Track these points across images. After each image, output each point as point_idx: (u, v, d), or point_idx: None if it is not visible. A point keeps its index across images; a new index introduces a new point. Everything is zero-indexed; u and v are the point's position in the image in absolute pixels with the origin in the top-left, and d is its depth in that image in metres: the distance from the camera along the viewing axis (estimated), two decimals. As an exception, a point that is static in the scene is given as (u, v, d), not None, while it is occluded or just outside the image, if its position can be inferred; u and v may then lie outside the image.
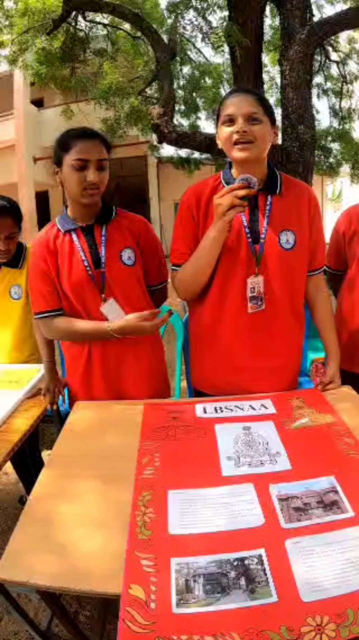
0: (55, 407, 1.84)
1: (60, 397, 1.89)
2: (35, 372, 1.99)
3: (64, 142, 1.51)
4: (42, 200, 14.29)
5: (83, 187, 1.50)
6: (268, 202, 1.53)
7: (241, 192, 1.36)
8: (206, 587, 0.85)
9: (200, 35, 4.94)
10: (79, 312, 1.63)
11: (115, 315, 1.61)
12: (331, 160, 8.88)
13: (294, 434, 1.37)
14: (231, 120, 1.42)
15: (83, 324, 1.60)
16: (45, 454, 2.44)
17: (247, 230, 1.52)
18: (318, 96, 8.32)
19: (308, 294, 1.69)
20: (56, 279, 1.61)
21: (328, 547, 0.92)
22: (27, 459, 2.24)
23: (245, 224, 1.52)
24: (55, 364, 1.95)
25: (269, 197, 1.54)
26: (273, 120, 1.47)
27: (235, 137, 1.41)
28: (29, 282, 1.70)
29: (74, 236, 1.61)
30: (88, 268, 1.59)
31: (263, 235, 1.52)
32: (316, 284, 1.68)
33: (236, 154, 1.43)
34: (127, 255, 1.64)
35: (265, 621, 0.78)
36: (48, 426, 2.22)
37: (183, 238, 1.61)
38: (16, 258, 2.12)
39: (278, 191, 1.54)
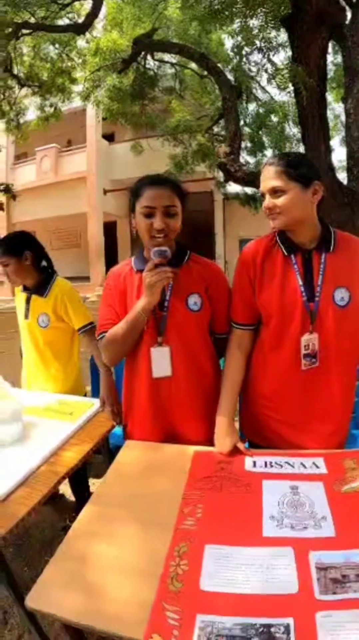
0: (120, 423, 1.90)
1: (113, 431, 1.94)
2: (90, 406, 2.06)
3: (136, 190, 1.58)
4: (109, 230, 14.81)
5: (150, 234, 1.55)
6: (322, 260, 1.53)
7: (168, 269, 1.49)
8: (227, 650, 0.83)
9: (264, 75, 5.03)
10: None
11: (160, 364, 1.63)
12: None
13: (343, 498, 1.29)
14: (263, 195, 1.54)
15: (120, 323, 1.61)
16: (89, 482, 2.49)
17: (302, 288, 1.52)
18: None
19: None
20: (122, 313, 1.63)
21: (360, 625, 0.87)
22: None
23: (300, 282, 1.52)
24: (114, 382, 2.11)
25: (323, 255, 1.53)
26: (306, 182, 1.47)
27: (267, 212, 1.53)
28: (100, 305, 1.76)
29: None
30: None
31: (317, 293, 1.52)
32: None
33: (271, 223, 1.55)
34: (194, 300, 1.65)
35: None
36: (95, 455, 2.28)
37: (241, 296, 1.66)
38: (44, 286, 2.25)
39: (331, 249, 1.54)
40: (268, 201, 1.50)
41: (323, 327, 1.52)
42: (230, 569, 1.05)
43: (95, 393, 2.68)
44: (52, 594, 1.01)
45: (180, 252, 1.69)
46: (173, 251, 1.61)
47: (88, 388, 2.77)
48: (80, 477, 2.39)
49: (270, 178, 1.48)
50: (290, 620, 0.90)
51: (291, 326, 1.54)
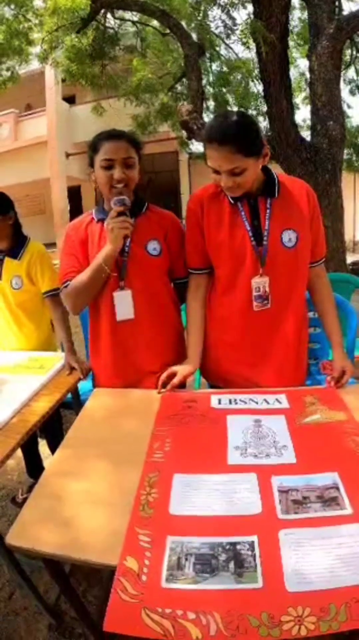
0: (86, 379, 1.94)
1: (82, 382, 1.98)
2: (58, 359, 2.09)
3: (94, 145, 1.63)
4: (74, 195, 14.47)
5: (110, 185, 1.60)
6: (268, 205, 1.59)
7: (129, 219, 1.55)
8: (196, 566, 0.89)
9: (226, 32, 4.93)
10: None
11: (123, 307, 1.68)
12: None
13: (303, 429, 1.38)
14: (216, 172, 1.49)
15: (84, 271, 1.64)
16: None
17: (251, 233, 1.58)
18: (352, 92, 8.08)
19: (309, 283, 1.73)
20: (84, 261, 1.69)
21: (320, 541, 0.94)
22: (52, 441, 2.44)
23: (248, 227, 1.59)
24: (73, 345, 2.13)
25: (268, 199, 1.59)
26: (259, 152, 1.46)
27: (224, 189, 1.53)
28: (60, 257, 1.78)
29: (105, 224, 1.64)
30: None
31: (265, 237, 1.58)
32: (317, 273, 1.73)
33: (229, 192, 1.55)
34: (153, 246, 1.71)
35: (247, 605, 0.81)
36: (70, 413, 2.32)
37: (193, 243, 1.71)
38: (17, 249, 2.23)
39: (276, 194, 1.59)
40: (227, 180, 1.46)
41: (273, 269, 1.59)
42: (197, 495, 1.11)
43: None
44: (30, 531, 1.05)
45: (139, 203, 1.74)
46: (132, 201, 1.65)
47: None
48: (56, 434, 2.43)
49: (225, 160, 1.43)
50: (254, 538, 0.96)
51: (242, 270, 1.61)
